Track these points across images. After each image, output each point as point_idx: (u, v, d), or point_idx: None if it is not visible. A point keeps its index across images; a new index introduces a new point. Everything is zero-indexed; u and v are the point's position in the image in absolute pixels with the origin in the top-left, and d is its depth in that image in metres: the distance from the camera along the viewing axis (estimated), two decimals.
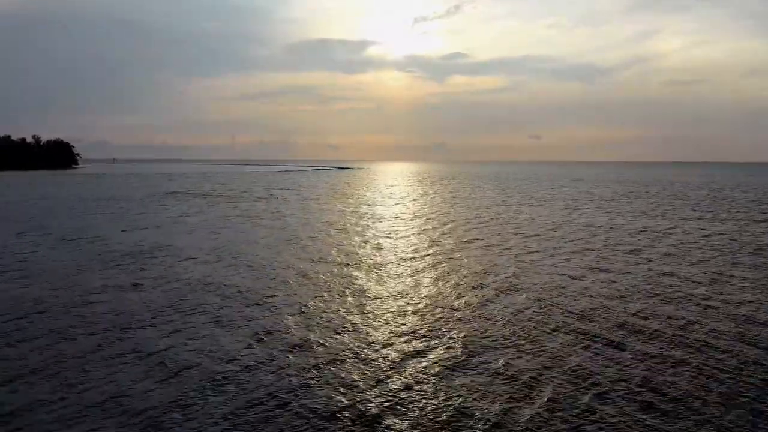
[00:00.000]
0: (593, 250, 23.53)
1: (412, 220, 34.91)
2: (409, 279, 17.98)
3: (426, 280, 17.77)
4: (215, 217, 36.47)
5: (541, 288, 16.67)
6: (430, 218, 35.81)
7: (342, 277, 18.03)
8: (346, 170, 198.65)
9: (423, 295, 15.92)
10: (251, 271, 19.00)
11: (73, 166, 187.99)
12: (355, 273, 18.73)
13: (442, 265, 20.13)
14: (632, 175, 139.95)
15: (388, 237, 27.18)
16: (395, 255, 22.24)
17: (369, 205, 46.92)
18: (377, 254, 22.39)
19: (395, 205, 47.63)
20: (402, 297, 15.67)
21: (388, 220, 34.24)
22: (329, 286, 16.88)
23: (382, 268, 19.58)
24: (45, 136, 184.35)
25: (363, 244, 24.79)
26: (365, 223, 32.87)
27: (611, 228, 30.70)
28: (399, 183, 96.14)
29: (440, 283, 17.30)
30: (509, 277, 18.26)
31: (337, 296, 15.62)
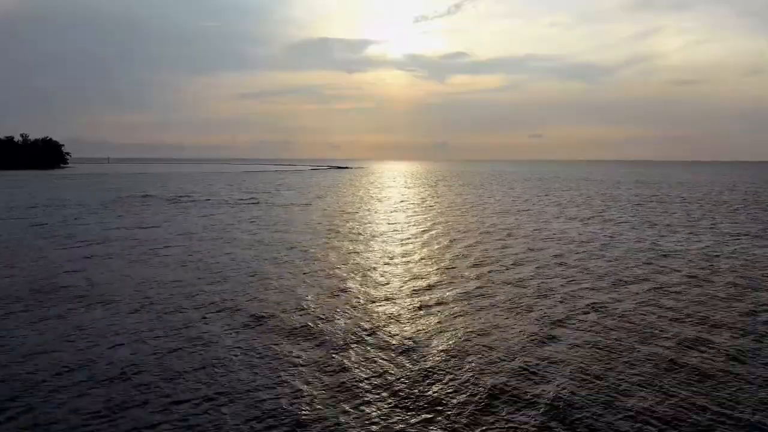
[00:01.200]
0: (658, 288, 16.80)
1: (404, 237, 28.18)
2: (385, 362, 11.30)
3: (409, 363, 11.09)
4: (163, 230, 29.84)
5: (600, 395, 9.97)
6: (427, 233, 29.10)
7: (274, 357, 11.37)
8: (345, 170, 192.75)
9: (403, 398, 9.27)
10: (132, 340, 12.30)
11: (62, 165, 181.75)
12: (297, 349, 12.06)
13: (434, 318, 13.46)
14: (641, 175, 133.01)
15: (365, 271, 20.44)
16: (366, 312, 15.54)
17: (356, 213, 40.23)
18: (337, 307, 15.69)
19: (390, 212, 40.94)
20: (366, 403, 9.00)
21: (374, 240, 27.47)
22: (243, 381, 10.21)
23: (339, 334, 12.90)
24: (37, 135, 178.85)
25: (326, 286, 18.05)
26: (342, 245, 26.11)
27: (655, 248, 23.94)
28: (398, 184, 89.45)
29: (431, 363, 10.64)
30: (541, 356, 11.56)
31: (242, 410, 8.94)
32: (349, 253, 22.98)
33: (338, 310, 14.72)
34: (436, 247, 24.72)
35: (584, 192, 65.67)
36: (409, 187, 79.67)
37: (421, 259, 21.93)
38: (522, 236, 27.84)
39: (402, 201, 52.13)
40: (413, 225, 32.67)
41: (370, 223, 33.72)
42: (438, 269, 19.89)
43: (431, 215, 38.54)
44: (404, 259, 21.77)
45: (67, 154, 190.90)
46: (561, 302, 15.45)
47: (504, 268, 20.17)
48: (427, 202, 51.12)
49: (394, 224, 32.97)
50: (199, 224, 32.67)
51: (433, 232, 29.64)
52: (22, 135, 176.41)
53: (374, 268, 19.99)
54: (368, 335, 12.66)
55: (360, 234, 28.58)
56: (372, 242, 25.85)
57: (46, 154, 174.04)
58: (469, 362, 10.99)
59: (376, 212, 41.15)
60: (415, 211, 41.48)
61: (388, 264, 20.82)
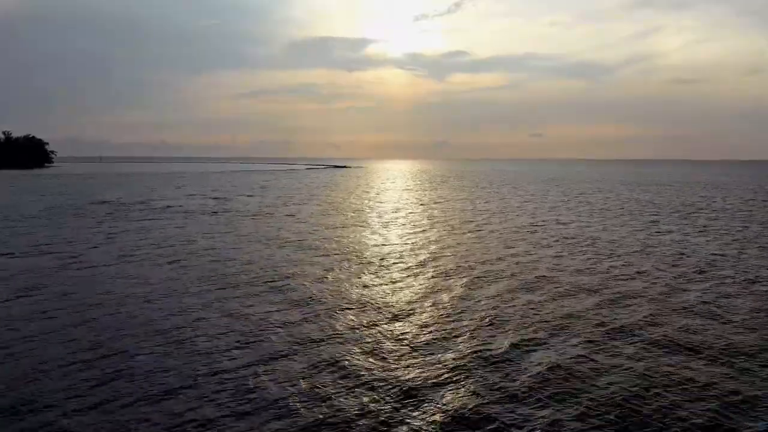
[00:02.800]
0: None
1: (384, 292, 19.27)
2: None
3: None
4: (41, 263, 21.00)
5: None
6: (426, 277, 20.20)
7: None
8: (343, 169, 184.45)
9: None
10: None
11: (46, 165, 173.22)
12: None
13: None
14: (652, 175, 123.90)
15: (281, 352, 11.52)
16: None
17: (332, 229, 31.35)
18: None
19: (375, 230, 32.07)
20: None
21: (337, 285, 18.61)
22: None
23: None
24: (38, 134, 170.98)
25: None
26: (265, 312, 17.26)
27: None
28: (395, 186, 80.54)
29: None
30: None
31: None
32: (268, 336, 13.97)
33: None
34: (444, 314, 15.69)
35: (611, 196, 56.54)
36: (407, 189, 70.76)
37: (412, 350, 12.95)
38: (584, 289, 18.74)
39: (396, 209, 43.11)
40: (403, 258, 23.50)
41: (338, 253, 24.55)
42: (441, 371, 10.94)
43: (433, 235, 29.58)
44: (370, 358, 12.78)
45: (52, 152, 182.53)
46: None
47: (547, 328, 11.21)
48: (428, 211, 42.10)
49: (374, 256, 23.66)
50: (111, 253, 23.66)
51: (436, 272, 20.62)
52: (4, 133, 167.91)
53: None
54: None
55: (314, 281, 19.40)
56: (318, 303, 16.50)
57: (28, 153, 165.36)
58: None
59: (356, 227, 32.20)
60: (410, 229, 32.48)
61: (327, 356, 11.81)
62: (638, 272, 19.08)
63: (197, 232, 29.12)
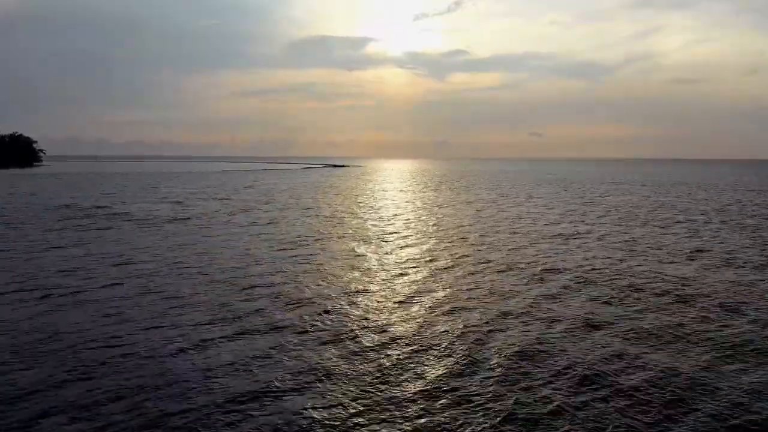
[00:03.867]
0: None
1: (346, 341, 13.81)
2: None
3: None
4: None
5: None
6: (405, 322, 14.81)
7: None
8: (341, 168, 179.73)
9: None
10: None
11: (34, 164, 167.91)
12: None
13: None
14: (657, 175, 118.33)
15: None
16: None
17: (298, 246, 25.93)
18: None
19: (359, 243, 26.68)
20: None
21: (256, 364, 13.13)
22: None
23: None
24: (36, 134, 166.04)
25: None
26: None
27: None
28: (393, 187, 75.04)
29: None
30: None
31: None
32: None
33: None
34: (423, 412, 10.26)
35: (630, 199, 50.88)
36: (404, 191, 65.24)
37: None
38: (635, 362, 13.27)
39: (390, 217, 37.59)
40: (377, 296, 18.07)
41: (289, 294, 19.19)
42: None
43: (425, 255, 24.10)
44: None
45: (41, 151, 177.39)
46: None
47: None
48: (424, 218, 36.54)
49: (340, 297, 18.26)
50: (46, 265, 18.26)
51: (419, 325, 15.20)
52: None
53: None
54: None
55: (230, 341, 14.06)
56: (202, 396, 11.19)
57: (13, 152, 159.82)
58: None
59: (331, 245, 26.74)
60: (398, 244, 26.97)
61: None
62: (705, 317, 13.62)
63: (128, 250, 23.54)
